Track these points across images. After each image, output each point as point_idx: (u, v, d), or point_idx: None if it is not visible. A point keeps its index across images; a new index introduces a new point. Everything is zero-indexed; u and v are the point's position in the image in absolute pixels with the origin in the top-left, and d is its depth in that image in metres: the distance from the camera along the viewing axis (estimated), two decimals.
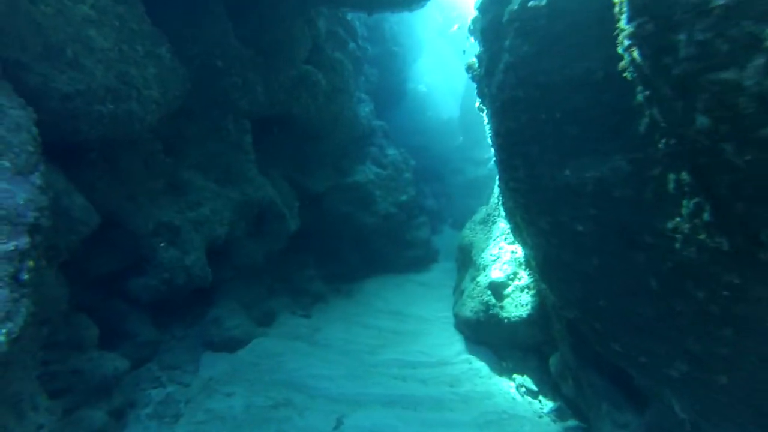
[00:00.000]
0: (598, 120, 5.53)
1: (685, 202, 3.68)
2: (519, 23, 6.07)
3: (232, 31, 10.45)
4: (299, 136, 13.82)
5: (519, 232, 8.74)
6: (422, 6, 11.77)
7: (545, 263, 6.93)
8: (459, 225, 19.35)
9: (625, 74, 3.90)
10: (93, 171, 6.96)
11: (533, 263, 7.74)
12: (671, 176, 3.55)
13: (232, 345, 9.22)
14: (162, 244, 7.42)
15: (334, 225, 15.17)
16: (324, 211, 14.99)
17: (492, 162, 18.71)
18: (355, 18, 14.48)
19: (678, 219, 3.64)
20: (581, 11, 5.34)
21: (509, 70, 6.48)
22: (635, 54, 3.31)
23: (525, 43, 6.03)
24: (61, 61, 5.41)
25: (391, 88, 18.68)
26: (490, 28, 7.41)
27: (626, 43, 3.39)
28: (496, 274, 10.48)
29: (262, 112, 11.72)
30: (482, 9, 7.62)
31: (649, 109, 3.85)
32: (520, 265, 10.26)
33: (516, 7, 6.01)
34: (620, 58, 4.96)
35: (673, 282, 4.02)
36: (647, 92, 3.65)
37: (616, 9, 3.70)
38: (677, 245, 3.68)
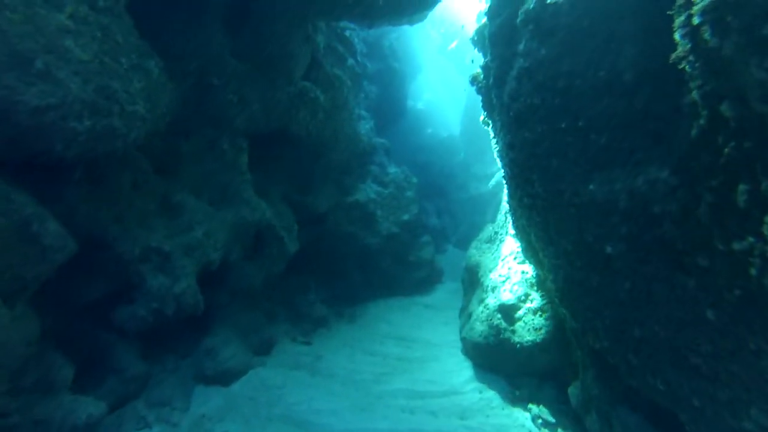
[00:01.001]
0: (629, 127, 4.89)
1: None
2: (536, 23, 5.47)
3: (228, 48, 9.92)
4: (298, 154, 13.21)
5: (533, 252, 8.05)
6: (423, 19, 11.28)
7: (567, 287, 6.22)
8: (463, 243, 18.63)
9: (680, 66, 3.25)
10: (76, 192, 6.29)
11: (551, 286, 7.03)
12: (743, 187, 2.90)
13: (227, 377, 8.44)
14: (151, 270, 6.71)
15: (336, 246, 14.48)
16: (326, 232, 14.31)
17: (496, 178, 18.14)
18: (354, 34, 14.00)
19: (751, 239, 2.97)
20: (610, 4, 4.74)
21: (524, 76, 5.87)
22: (706, 34, 2.67)
23: (543, 45, 5.43)
24: (29, 72, 4.78)
25: (391, 105, 18.16)
26: (500, 34, 6.84)
27: (696, 21, 2.75)
28: (506, 296, 9.76)
29: (260, 130, 11.14)
30: (491, 13, 7.05)
31: (709, 107, 3.20)
32: (531, 285, 9.55)
33: (532, 5, 5.42)
34: (657, 54, 4.34)
35: (744, 315, 3.34)
36: (708, 86, 3.00)
37: None
38: (753, 271, 3.01)
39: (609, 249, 5.16)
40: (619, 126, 5.00)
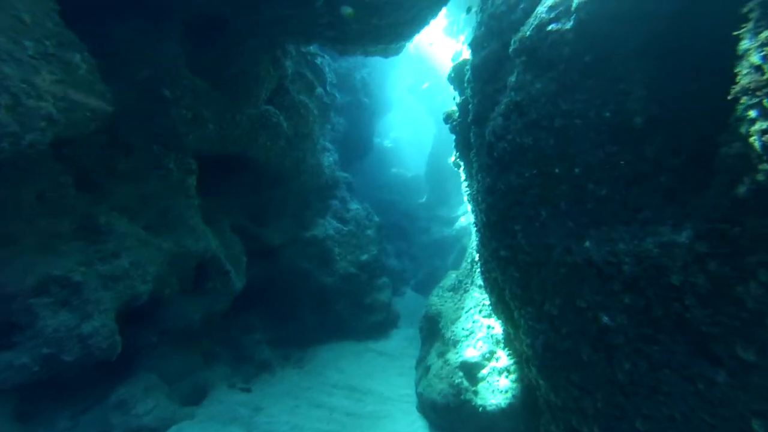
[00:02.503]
0: (636, 179, 4.10)
1: None
2: (531, 54, 4.71)
3: (185, 60, 8.85)
4: (256, 182, 12.07)
5: (504, 308, 7.14)
6: (398, 51, 10.59)
7: (549, 356, 5.28)
8: (423, 287, 17.68)
9: (747, 102, 2.45)
10: None
11: (526, 351, 6.09)
12: None
13: None
14: (48, 306, 5.31)
15: (288, 283, 13.19)
16: (279, 267, 13.04)
17: (461, 222, 17.45)
18: (325, 63, 13.22)
19: None
20: (621, 37, 4.02)
21: (514, 112, 5.07)
22: None
23: (538, 78, 4.65)
24: None
25: (357, 140, 17.37)
26: (484, 67, 6.10)
27: None
28: (470, 352, 8.77)
29: (214, 152, 9.99)
30: (475, 45, 6.33)
31: None
32: (497, 342, 8.61)
33: (529, 33, 4.67)
34: (670, 100, 3.62)
35: None
36: None
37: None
38: None
39: (606, 319, 4.28)
40: (623, 177, 4.22)
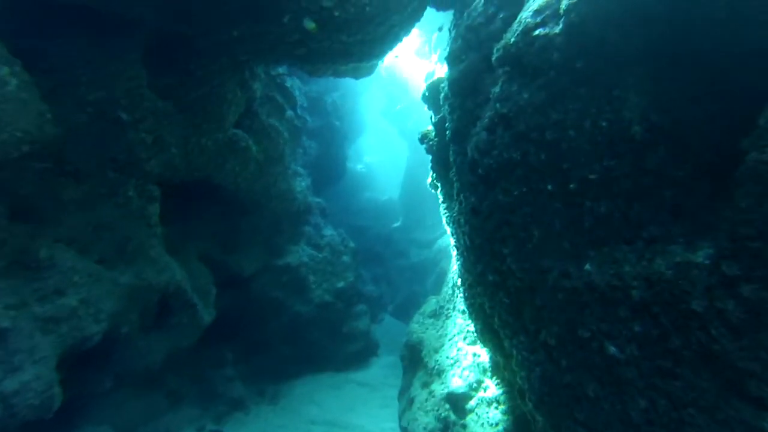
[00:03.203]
0: (638, 194, 3.66)
1: None
2: (515, 62, 4.29)
3: (146, 80, 8.21)
4: (224, 209, 11.35)
5: (492, 336, 6.60)
6: (370, 72, 10.21)
7: (547, 390, 4.72)
8: (401, 313, 17.02)
9: None
10: None
11: (520, 384, 5.52)
12: None
13: None
14: None
15: (261, 313, 12.38)
16: (251, 297, 12.23)
17: (438, 245, 16.95)
18: (295, 86, 12.73)
19: None
20: (614, 40, 3.62)
21: (499, 126, 4.62)
22: None
23: (526, 87, 4.23)
24: None
25: (330, 164, 16.82)
26: (463, 80, 5.68)
27: None
28: (456, 382, 8.16)
29: (179, 178, 9.29)
30: (452, 58, 5.92)
31: None
32: (485, 371, 8.02)
33: (513, 39, 4.25)
34: (673, 108, 3.22)
35: None
36: None
37: None
38: None
39: (613, 350, 3.77)
40: (623, 192, 3.78)
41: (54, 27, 6.86)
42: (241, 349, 12.12)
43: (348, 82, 18.43)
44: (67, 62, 6.68)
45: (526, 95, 4.29)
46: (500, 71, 4.60)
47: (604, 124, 3.75)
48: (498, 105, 4.54)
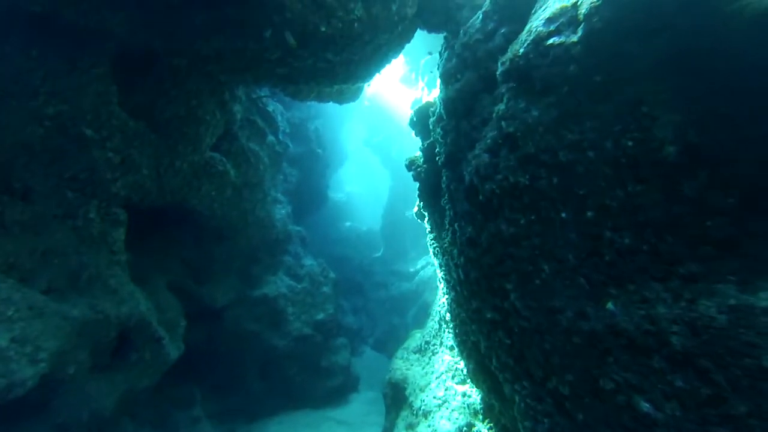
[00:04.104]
0: (671, 224, 3.08)
1: None
2: (524, 76, 3.73)
3: (117, 97, 7.49)
4: (199, 235, 10.47)
5: (486, 377, 5.86)
6: (354, 98, 9.68)
7: None
8: (382, 346, 16.10)
9: None
10: None
11: None
12: None
13: None
14: None
15: (234, 347, 11.34)
16: (224, 330, 11.21)
17: (420, 276, 16.20)
18: (277, 111, 12.12)
19: None
20: (640, 51, 3.09)
21: (503, 147, 4.03)
22: None
23: (535, 104, 3.66)
24: None
25: (311, 192, 16.11)
26: (459, 100, 5.13)
27: None
28: (444, 425, 7.36)
29: (149, 201, 8.46)
30: (447, 77, 5.38)
31: None
32: (475, 414, 7.24)
33: (522, 50, 3.70)
34: (715, 127, 2.68)
35: None
36: None
37: None
38: None
39: (646, 407, 3.09)
40: (652, 222, 3.18)
41: (9, 33, 6.14)
42: (212, 387, 11.01)
43: (331, 109, 17.97)
44: (20, 70, 5.92)
45: (535, 113, 3.72)
46: (504, 87, 4.04)
47: (629, 143, 3.19)
48: (503, 123, 3.96)
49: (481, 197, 4.35)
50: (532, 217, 3.90)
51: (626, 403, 3.26)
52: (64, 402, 6.06)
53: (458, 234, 5.35)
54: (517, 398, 4.75)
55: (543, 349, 4.03)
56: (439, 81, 6.14)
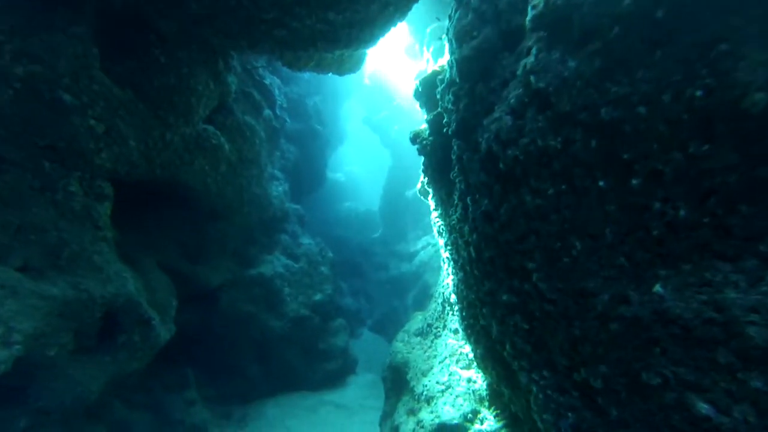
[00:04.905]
0: (750, 192, 2.50)
1: None
2: (561, 20, 3.11)
3: (98, 62, 6.80)
4: (191, 213, 9.86)
5: (497, 365, 5.36)
6: (355, 69, 8.98)
7: None
8: (381, 328, 15.66)
9: None
10: None
11: (541, 428, 4.26)
12: None
13: None
14: None
15: (230, 329, 10.85)
16: (219, 311, 10.70)
17: (420, 257, 15.65)
18: (274, 84, 11.40)
19: None
20: None
21: (530, 106, 3.43)
22: None
23: (573, 53, 3.05)
24: None
25: (310, 170, 15.46)
26: (475, 60, 4.49)
27: None
28: (448, 411, 6.90)
29: (137, 175, 7.85)
30: (461, 35, 4.74)
31: None
32: (480, 400, 6.79)
33: None
34: None
35: None
36: None
37: None
38: None
39: (705, 408, 2.56)
40: (721, 189, 2.60)
41: None
42: (206, 369, 10.55)
43: (330, 85, 17.18)
44: None
45: (572, 64, 3.11)
46: (532, 38, 3.43)
47: (698, 93, 2.58)
48: (532, 78, 3.35)
49: (501, 165, 3.76)
50: (563, 187, 3.32)
51: (677, 402, 2.74)
52: (44, 386, 5.55)
53: (471, 209, 4.78)
54: (534, 388, 4.24)
55: (571, 337, 3.50)
56: (448, 46, 5.50)
